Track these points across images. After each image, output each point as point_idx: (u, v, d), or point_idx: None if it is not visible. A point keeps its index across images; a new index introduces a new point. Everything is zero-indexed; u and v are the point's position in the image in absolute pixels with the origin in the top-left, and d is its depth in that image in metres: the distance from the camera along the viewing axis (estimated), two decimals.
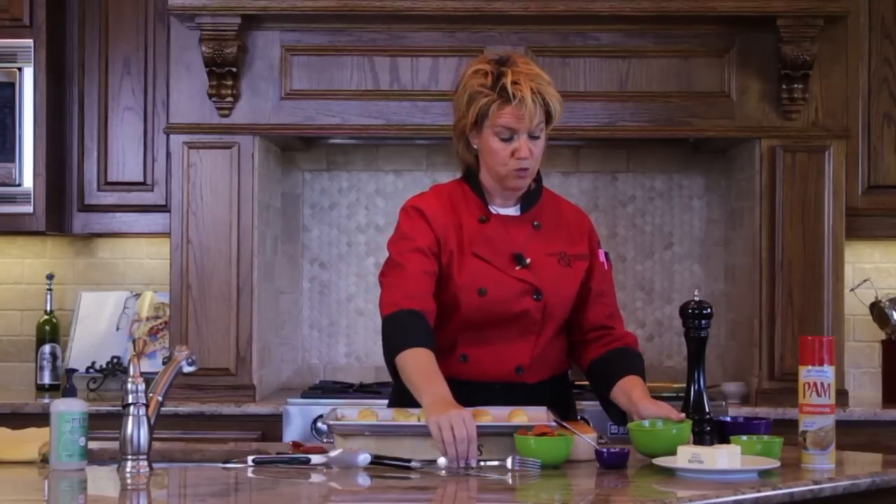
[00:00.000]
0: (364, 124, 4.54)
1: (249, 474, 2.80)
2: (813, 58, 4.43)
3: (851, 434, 4.01)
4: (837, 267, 4.53)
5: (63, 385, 4.64)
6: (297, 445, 3.02)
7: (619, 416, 3.15)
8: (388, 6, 4.42)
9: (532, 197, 3.24)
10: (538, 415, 2.98)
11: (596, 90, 4.53)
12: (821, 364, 2.90)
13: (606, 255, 3.31)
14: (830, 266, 4.52)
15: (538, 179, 3.26)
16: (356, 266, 5.06)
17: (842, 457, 3.00)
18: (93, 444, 2.89)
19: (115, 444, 2.84)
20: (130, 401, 2.78)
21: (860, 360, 5.00)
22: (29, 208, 4.65)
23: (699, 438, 3.02)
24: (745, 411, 4.33)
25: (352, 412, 3.03)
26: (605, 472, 2.81)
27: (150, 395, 2.82)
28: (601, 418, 3.50)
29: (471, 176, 3.24)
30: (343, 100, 4.54)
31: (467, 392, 3.04)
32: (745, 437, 2.92)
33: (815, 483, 2.71)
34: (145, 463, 2.77)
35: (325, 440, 3.78)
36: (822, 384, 2.89)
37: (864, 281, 4.88)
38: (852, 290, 4.82)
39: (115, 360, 4.89)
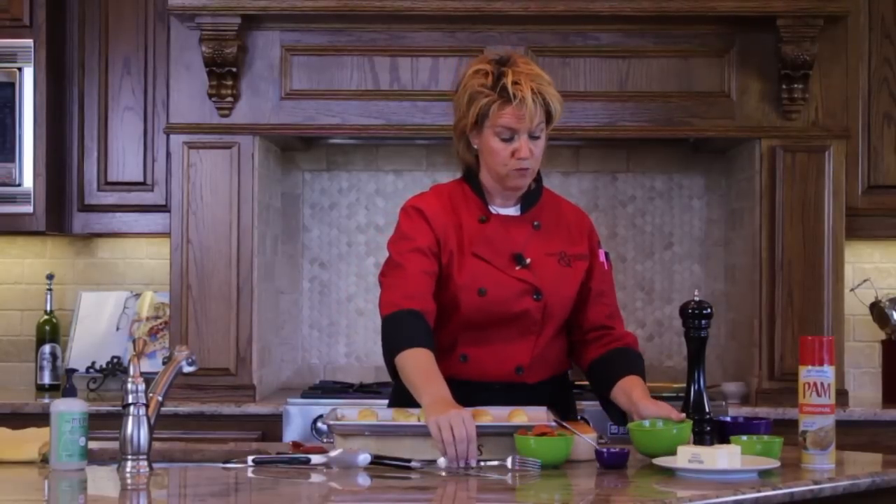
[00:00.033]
0: (364, 124, 4.54)
1: (249, 474, 2.80)
2: (813, 58, 4.43)
3: (851, 434, 4.01)
4: (837, 267, 4.53)
5: (63, 385, 4.64)
6: (297, 445, 3.02)
7: (620, 416, 3.15)
8: (388, 6, 4.42)
9: (532, 197, 3.24)
10: (538, 415, 2.98)
11: (596, 90, 4.53)
12: (821, 364, 2.90)
13: (606, 255, 3.31)
14: (830, 266, 4.52)
15: (538, 179, 3.26)
16: (356, 266, 5.06)
17: (842, 457, 3.00)
18: (93, 444, 2.89)
19: (115, 444, 2.84)
20: (130, 401, 2.78)
21: (860, 360, 5.00)
22: (29, 208, 4.65)
23: (699, 438, 3.02)
24: (745, 411, 4.33)
25: (352, 412, 3.03)
26: (605, 472, 2.81)
27: (150, 395, 2.82)
28: (601, 418, 3.50)
29: (471, 176, 3.24)
30: (343, 100, 4.54)
31: (467, 392, 3.04)
32: (745, 437, 2.92)
33: (815, 483, 2.71)
34: (145, 463, 2.77)
35: (325, 440, 3.78)
36: (822, 384, 2.89)
37: (864, 281, 4.88)
38: (852, 290, 4.82)
39: (115, 360, 4.89)
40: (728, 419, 3.12)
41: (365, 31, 4.52)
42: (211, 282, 4.53)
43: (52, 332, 4.94)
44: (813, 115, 4.54)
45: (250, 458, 2.87)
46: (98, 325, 4.96)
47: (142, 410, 2.78)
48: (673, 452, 2.79)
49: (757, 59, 4.52)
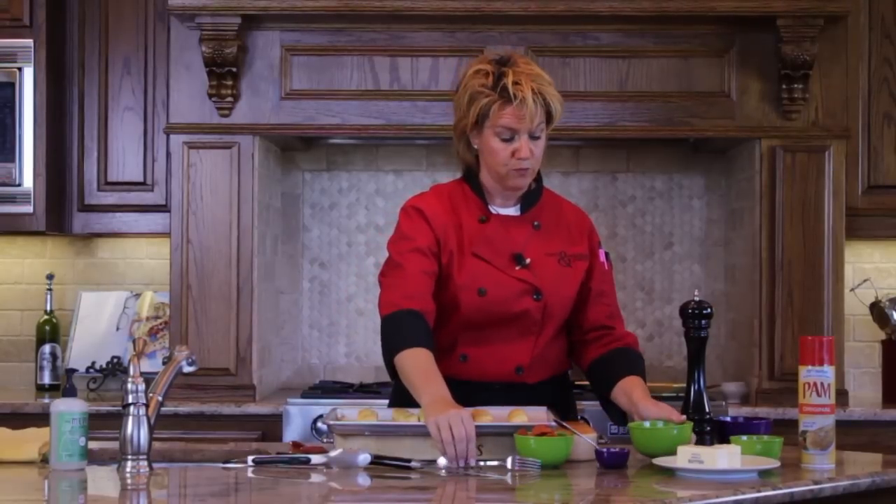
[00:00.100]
0: (364, 124, 4.54)
1: (249, 474, 2.80)
2: (813, 58, 4.43)
3: (851, 434, 4.01)
4: (837, 267, 4.53)
5: (63, 385, 4.64)
6: (297, 445, 3.02)
7: (620, 416, 3.15)
8: (388, 6, 4.42)
9: (532, 197, 3.24)
10: (538, 415, 2.98)
11: (596, 90, 4.53)
12: (821, 364, 2.90)
13: (607, 255, 3.31)
14: (830, 266, 4.52)
15: (538, 179, 3.26)
16: (356, 266, 5.06)
17: (842, 457, 3.00)
18: (93, 444, 2.89)
19: (115, 444, 2.84)
20: (130, 401, 2.78)
21: (860, 360, 5.00)
22: (29, 208, 4.65)
23: (699, 438, 3.02)
24: (745, 411, 4.32)
25: (352, 412, 3.03)
26: (605, 472, 2.81)
27: (150, 395, 2.82)
28: (601, 418, 3.50)
29: (471, 176, 3.24)
30: (343, 100, 4.54)
31: (467, 392, 3.04)
32: (745, 437, 2.92)
33: (815, 483, 2.71)
34: (145, 463, 2.77)
35: (325, 440, 3.78)
36: (822, 384, 2.89)
37: (864, 281, 4.88)
38: (852, 290, 4.82)
39: (115, 360, 4.89)
40: (728, 419, 3.13)
41: (365, 31, 4.52)
42: (211, 282, 4.53)
43: (52, 332, 4.94)
44: (813, 115, 4.54)
45: (250, 458, 2.87)
46: (98, 325, 4.96)
47: (142, 410, 2.78)
48: (673, 453, 2.79)
49: (757, 59, 4.52)
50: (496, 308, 3.14)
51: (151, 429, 2.79)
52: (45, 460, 2.86)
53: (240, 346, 4.52)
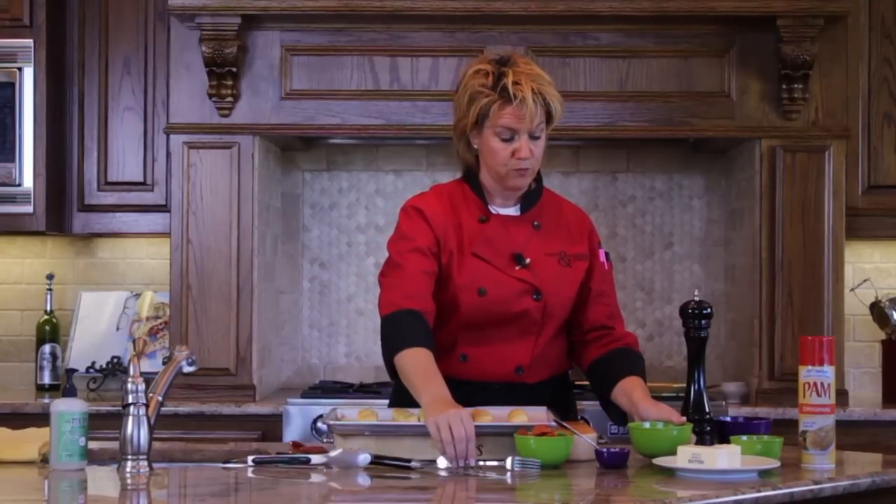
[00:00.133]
0: (364, 124, 4.54)
1: (249, 474, 2.80)
2: (813, 58, 4.43)
3: (851, 434, 4.01)
4: (837, 267, 4.53)
5: (63, 385, 4.64)
6: (297, 445, 3.02)
7: (620, 416, 3.15)
8: (388, 6, 4.42)
9: (532, 197, 3.24)
10: (538, 415, 2.98)
11: (596, 90, 4.53)
12: (821, 364, 2.90)
13: (607, 255, 3.31)
14: (830, 266, 4.52)
15: (538, 179, 3.26)
16: (356, 266, 5.06)
17: (842, 457, 3.00)
18: (93, 444, 2.89)
19: (115, 444, 2.84)
20: (130, 401, 2.78)
21: (860, 360, 5.00)
22: (29, 208, 4.65)
23: (699, 438, 3.02)
24: (745, 411, 4.32)
25: (352, 412, 3.03)
26: (605, 472, 2.81)
27: (150, 395, 2.82)
28: (601, 418, 3.49)
29: (471, 176, 3.24)
30: (343, 100, 4.54)
31: (467, 392, 3.04)
32: (745, 437, 2.92)
33: (815, 483, 2.71)
34: (145, 463, 2.77)
35: (325, 440, 3.78)
36: (822, 384, 2.89)
37: (864, 281, 4.88)
38: (852, 290, 4.82)
39: (115, 360, 4.89)
40: (728, 419, 3.13)
41: (365, 31, 4.52)
42: (211, 282, 4.53)
43: (52, 332, 4.94)
44: (813, 115, 4.54)
45: (250, 458, 2.87)
46: (98, 325, 4.96)
47: (142, 410, 2.78)
48: (672, 454, 2.79)
49: (757, 59, 4.52)
50: (496, 308, 3.14)
51: (151, 429, 2.79)
52: (45, 460, 2.86)
53: (240, 346, 4.52)
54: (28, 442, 2.94)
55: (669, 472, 2.75)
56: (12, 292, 5.06)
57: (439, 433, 2.78)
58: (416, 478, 2.73)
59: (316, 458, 2.84)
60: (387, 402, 3.31)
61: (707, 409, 3.07)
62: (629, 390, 3.09)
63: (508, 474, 2.75)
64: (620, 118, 4.53)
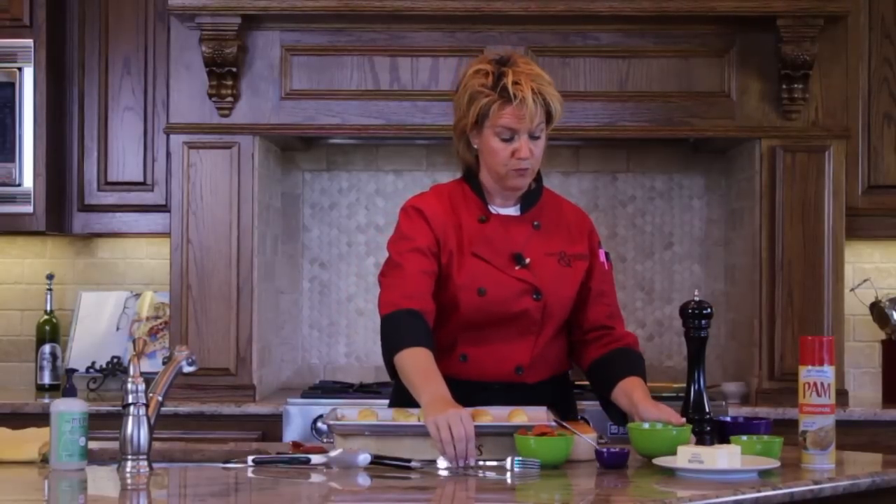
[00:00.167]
0: (364, 124, 4.54)
1: (249, 474, 2.80)
2: (813, 58, 4.43)
3: (851, 434, 4.01)
4: (837, 267, 4.53)
5: (63, 385, 4.64)
6: (297, 445, 3.02)
7: (620, 417, 3.15)
8: (388, 6, 4.42)
9: (532, 197, 3.24)
10: (538, 415, 2.98)
11: (596, 90, 4.53)
12: (821, 364, 2.90)
13: (607, 255, 3.31)
14: (830, 266, 4.52)
15: (538, 179, 3.26)
16: (356, 266, 5.06)
17: (842, 457, 3.00)
18: (93, 444, 2.89)
19: (115, 444, 2.84)
20: (130, 401, 2.78)
21: (860, 360, 5.00)
22: (29, 208, 4.65)
23: (699, 438, 3.02)
24: (745, 411, 4.32)
25: (352, 412, 3.03)
26: (605, 472, 2.81)
27: (150, 395, 2.82)
28: (601, 418, 3.49)
29: (471, 176, 3.24)
30: (343, 100, 4.54)
31: (467, 392, 3.04)
32: (745, 437, 2.92)
33: (815, 483, 2.71)
34: (145, 463, 2.77)
35: (325, 440, 3.78)
36: (822, 384, 2.89)
37: (864, 281, 4.88)
38: (852, 290, 4.82)
39: (115, 360, 4.89)
40: (728, 419, 3.13)
41: (365, 31, 4.52)
42: (211, 282, 4.53)
43: (52, 332, 4.94)
44: (813, 115, 4.54)
45: (250, 458, 2.87)
46: (98, 325, 4.96)
47: (142, 410, 2.78)
48: (671, 454, 2.79)
49: (757, 59, 4.52)
50: (496, 308, 3.14)
51: (151, 429, 2.79)
52: (45, 460, 2.86)
53: (240, 346, 4.52)
54: (28, 442, 2.94)
55: (669, 472, 2.75)
56: (12, 292, 5.06)
57: (439, 433, 2.78)
58: (416, 478, 2.73)
59: (316, 458, 2.84)
60: (387, 402, 3.31)
61: (707, 409, 3.07)
62: (629, 391, 3.09)
63: (508, 474, 2.75)
64: (620, 118, 4.53)
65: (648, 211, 5.05)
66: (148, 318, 4.95)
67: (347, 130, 4.57)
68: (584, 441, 2.91)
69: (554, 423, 2.90)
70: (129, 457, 2.76)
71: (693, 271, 5.06)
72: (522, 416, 2.96)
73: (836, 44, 4.53)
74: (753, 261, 4.58)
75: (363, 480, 2.71)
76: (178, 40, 4.56)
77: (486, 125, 3.11)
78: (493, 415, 2.96)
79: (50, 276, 4.97)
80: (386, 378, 3.49)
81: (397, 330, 3.05)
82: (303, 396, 4.42)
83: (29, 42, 4.64)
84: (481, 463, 2.82)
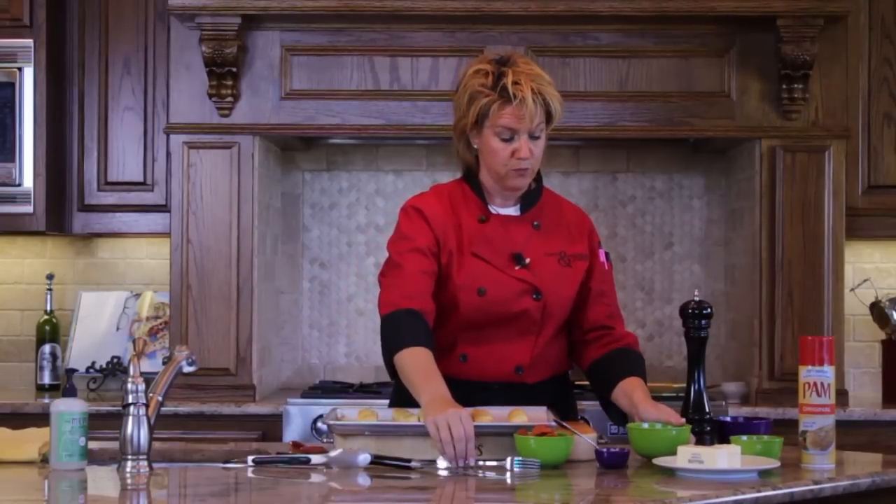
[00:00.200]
0: (364, 124, 4.54)
1: (249, 474, 2.80)
2: (813, 58, 4.43)
3: (851, 434, 4.01)
4: (837, 267, 4.53)
5: (63, 385, 4.64)
6: (297, 445, 3.02)
7: (620, 417, 3.15)
8: (388, 6, 4.42)
9: (532, 197, 3.24)
10: (538, 415, 2.98)
11: (596, 90, 4.53)
12: (821, 364, 2.90)
13: (607, 255, 3.31)
14: (830, 266, 4.52)
15: (538, 179, 3.26)
16: (356, 266, 5.06)
17: (842, 457, 3.00)
18: (93, 444, 2.89)
19: (115, 444, 2.84)
20: (130, 401, 2.78)
21: (860, 360, 5.00)
22: (29, 208, 4.65)
23: (699, 438, 3.02)
24: (745, 411, 4.32)
25: (352, 412, 3.03)
26: (605, 472, 2.81)
27: (150, 395, 2.82)
28: (601, 418, 3.49)
29: (471, 176, 3.24)
30: (343, 100, 4.54)
31: (467, 392, 3.04)
32: (745, 437, 2.92)
33: (815, 483, 2.71)
34: (145, 463, 2.77)
35: (325, 440, 3.78)
36: (822, 384, 2.89)
37: (864, 281, 4.88)
38: (852, 290, 4.82)
39: (115, 360, 4.89)
40: (728, 419, 3.13)
41: (365, 31, 4.52)
42: (211, 282, 4.53)
43: (52, 332, 4.94)
44: (813, 115, 4.54)
45: (250, 458, 2.87)
46: (98, 325, 4.96)
47: (142, 410, 2.78)
48: (670, 455, 2.79)
49: (757, 59, 4.52)
50: (495, 308, 3.14)
51: (151, 429, 2.79)
52: (45, 460, 2.86)
53: (240, 346, 4.52)
54: (28, 442, 2.94)
55: (669, 472, 2.75)
56: (12, 292, 5.06)
57: (438, 433, 2.78)
58: (416, 478, 2.73)
59: (316, 458, 2.84)
60: (387, 402, 3.31)
61: (707, 409, 3.07)
62: (630, 391, 3.09)
63: (508, 474, 2.75)
64: (620, 118, 4.53)
65: (648, 211, 5.05)
66: (148, 318, 4.95)
67: (347, 130, 4.57)
68: (584, 441, 2.91)
69: (554, 423, 2.90)
70: (129, 457, 2.76)
71: (693, 271, 5.06)
72: (522, 416, 2.96)
73: (836, 44, 4.53)
74: (753, 261, 4.58)
75: (363, 480, 2.71)
76: (178, 40, 4.56)
77: (486, 125, 3.11)
78: (493, 415, 2.96)
79: (50, 276, 4.97)
80: (386, 378, 3.49)
81: (397, 330, 3.05)
82: (303, 396, 4.42)
83: (29, 42, 4.64)
84: (481, 463, 2.82)
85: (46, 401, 4.43)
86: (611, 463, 2.84)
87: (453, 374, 3.09)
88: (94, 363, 4.88)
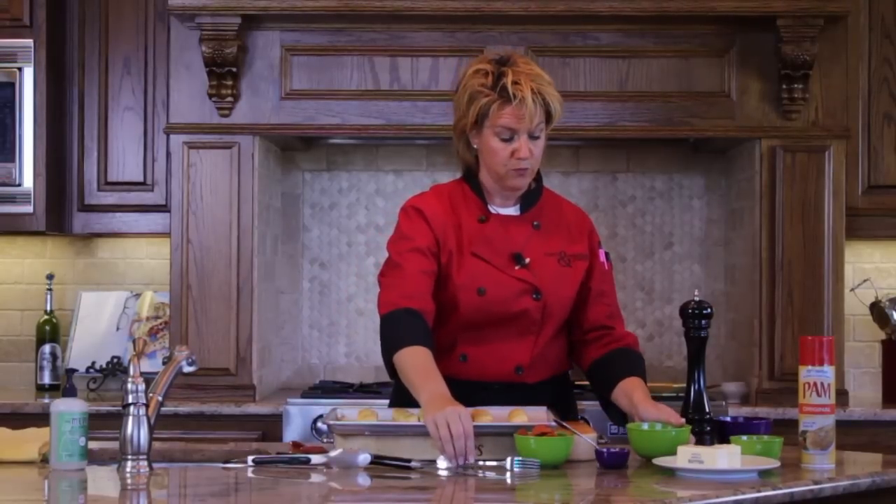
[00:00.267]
0: (364, 124, 4.54)
1: (249, 474, 2.80)
2: (813, 58, 4.43)
3: (851, 434, 4.01)
4: (837, 267, 4.53)
5: (63, 385, 4.64)
6: (297, 445, 3.02)
7: (620, 417, 3.15)
8: (388, 6, 4.42)
9: (532, 197, 3.24)
10: (538, 415, 2.98)
11: (596, 90, 4.53)
12: (821, 364, 2.90)
13: (607, 254, 3.31)
14: (830, 266, 4.52)
15: (538, 179, 3.26)
16: (356, 266, 5.06)
17: (842, 457, 3.00)
18: (93, 444, 2.89)
19: (115, 444, 2.84)
20: (130, 401, 2.78)
21: (860, 360, 5.00)
22: (29, 208, 4.65)
23: (699, 438, 3.02)
24: (745, 411, 4.32)
25: (352, 412, 3.03)
26: (605, 472, 2.81)
27: (150, 395, 2.82)
28: (601, 418, 3.49)
29: (470, 176, 3.24)
30: (343, 100, 4.54)
31: (467, 392, 3.04)
32: (745, 437, 2.92)
33: (815, 483, 2.71)
34: (145, 463, 2.77)
35: (325, 440, 3.78)
36: (822, 384, 2.89)
37: (864, 281, 4.88)
38: (852, 290, 4.82)
39: (115, 360, 4.89)
40: (728, 419, 3.13)
41: (365, 31, 4.52)
42: (211, 282, 4.53)
43: (52, 332, 4.94)
44: (813, 115, 4.54)
45: (250, 458, 2.87)
46: (98, 325, 4.96)
47: (142, 410, 2.78)
48: (670, 455, 2.79)
49: (757, 59, 4.52)
50: (495, 308, 3.14)
51: (151, 429, 2.79)
52: (45, 460, 2.86)
53: (240, 346, 4.52)
54: (28, 442, 2.94)
55: (669, 472, 2.75)
56: (12, 292, 5.06)
57: (438, 431, 2.78)
58: (416, 478, 2.73)
59: (316, 458, 2.84)
60: (387, 402, 3.31)
61: (707, 409, 3.07)
62: (630, 391, 3.09)
63: (508, 474, 2.75)
64: (620, 118, 4.53)
65: (648, 211, 5.05)
66: (148, 318, 4.95)
67: (347, 130, 4.57)
68: (584, 441, 2.91)
69: (554, 423, 2.90)
70: (129, 457, 2.76)
71: (693, 271, 5.06)
72: (522, 416, 2.96)
73: (836, 44, 4.53)
74: (753, 261, 4.58)
75: (363, 480, 2.71)
76: (178, 40, 4.56)
77: (486, 125, 3.11)
78: (493, 415, 2.96)
79: (50, 276, 4.97)
80: (386, 378, 3.48)
81: (396, 329, 3.05)
82: (303, 396, 4.42)
83: (29, 42, 4.64)
84: (481, 463, 2.82)
85: (46, 401, 4.43)
86: (611, 463, 2.84)
87: (453, 374, 3.09)
88: (94, 363, 4.88)
